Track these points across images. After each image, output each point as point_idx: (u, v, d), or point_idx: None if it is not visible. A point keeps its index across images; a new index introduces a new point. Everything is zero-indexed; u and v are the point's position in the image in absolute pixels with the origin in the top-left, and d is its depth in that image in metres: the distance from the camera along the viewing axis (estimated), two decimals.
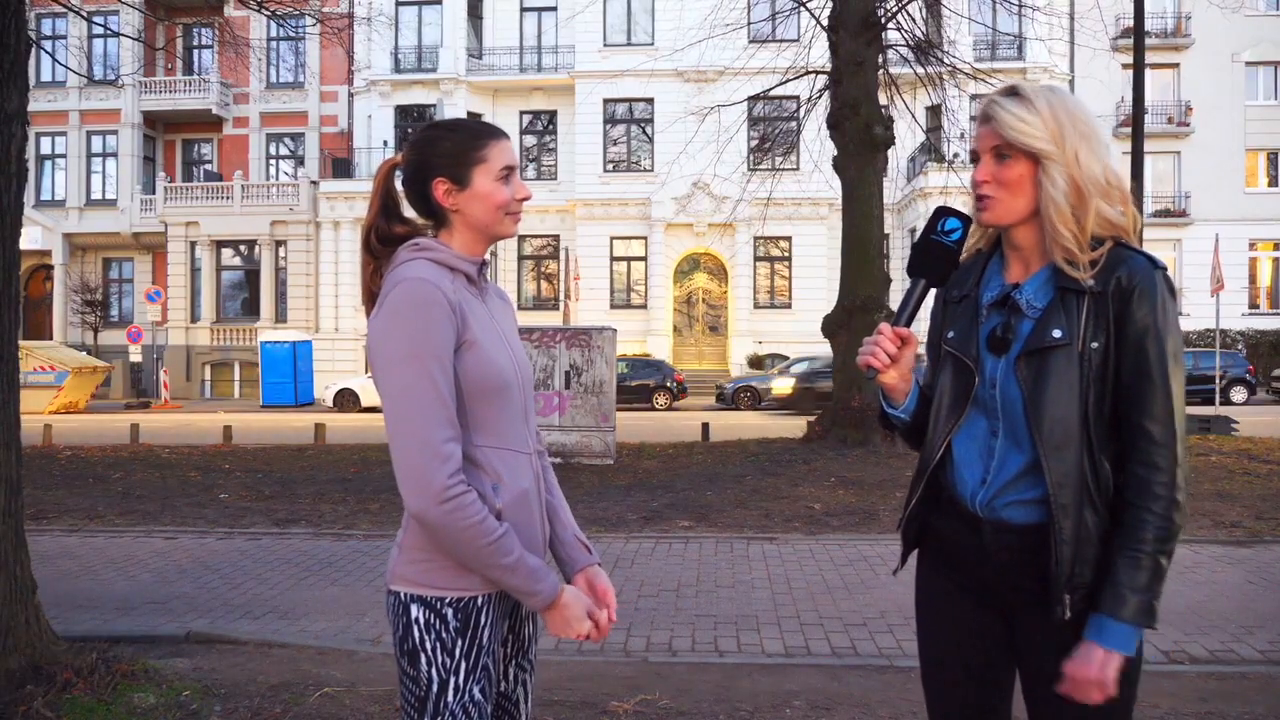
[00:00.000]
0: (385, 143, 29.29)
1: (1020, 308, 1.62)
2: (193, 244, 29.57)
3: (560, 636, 1.65)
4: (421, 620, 1.61)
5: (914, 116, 13.99)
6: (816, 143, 15.20)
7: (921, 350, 1.77)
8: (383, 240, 1.70)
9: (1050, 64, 26.41)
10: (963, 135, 15.85)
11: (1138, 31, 11.03)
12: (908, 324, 1.70)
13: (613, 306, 28.61)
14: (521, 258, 30.47)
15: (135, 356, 27.83)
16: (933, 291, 1.78)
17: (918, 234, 1.74)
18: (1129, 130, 13.23)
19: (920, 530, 1.77)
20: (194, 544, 6.74)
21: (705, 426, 14.53)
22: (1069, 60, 26.54)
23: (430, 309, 1.56)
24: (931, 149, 24.51)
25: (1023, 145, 1.57)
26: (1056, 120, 1.56)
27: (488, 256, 1.75)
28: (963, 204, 1.71)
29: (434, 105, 28.94)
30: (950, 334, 1.71)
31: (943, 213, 1.71)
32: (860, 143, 12.07)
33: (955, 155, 20.75)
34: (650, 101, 28.73)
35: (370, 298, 1.67)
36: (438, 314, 1.56)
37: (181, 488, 9.45)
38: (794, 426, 13.98)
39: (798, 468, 10.17)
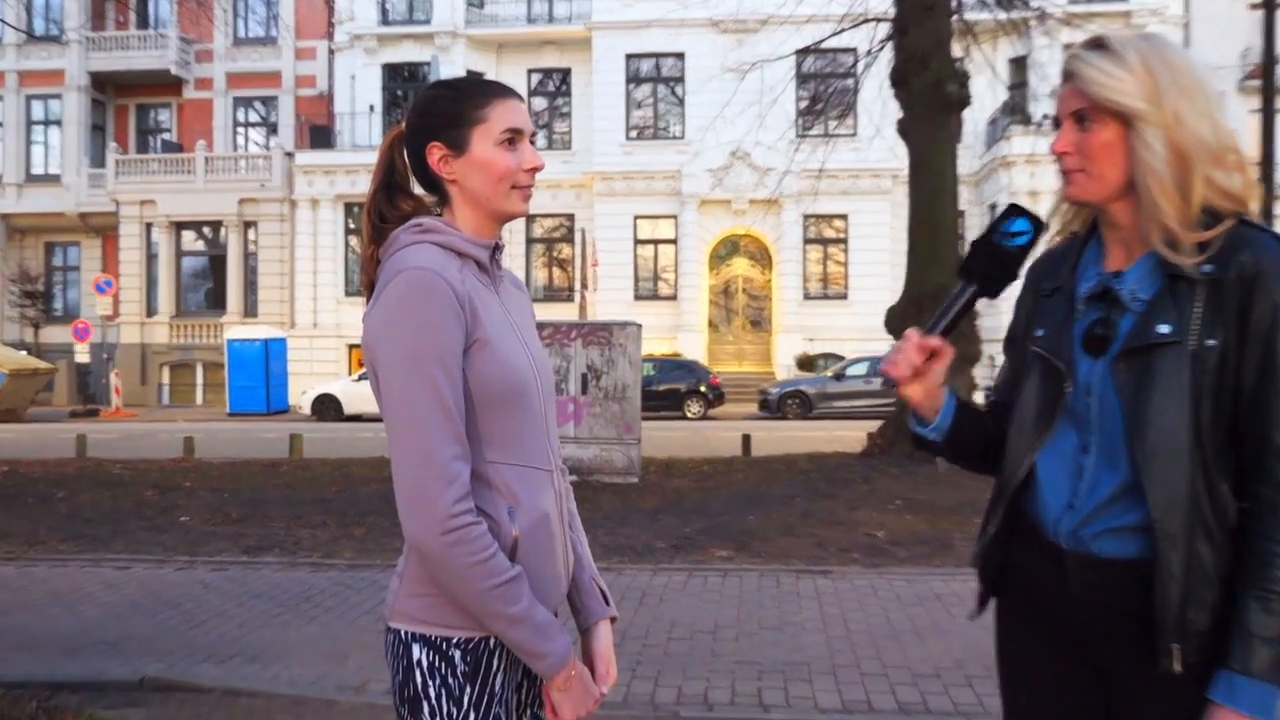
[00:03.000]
0: (371, 107, 29.52)
1: (1121, 300, 1.61)
2: (148, 226, 29.95)
3: (564, 717, 1.65)
4: (425, 663, 1.62)
5: (994, 71, 13.92)
6: (878, 103, 15.11)
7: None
8: (386, 220, 1.72)
9: (1160, 5, 26.12)
10: (1053, 92, 15.65)
11: None
12: (944, 333, 1.72)
13: (637, 298, 28.67)
14: (531, 241, 30.58)
15: (82, 356, 28.18)
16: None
17: (999, 210, 1.75)
18: (1258, 83, 13.03)
19: (1001, 566, 1.76)
20: (150, 575, 6.81)
21: (746, 439, 14.51)
22: (1183, 0, 26.22)
23: (434, 303, 1.56)
24: (1015, 109, 24.32)
25: (1111, 104, 1.56)
26: (1151, 74, 1.55)
27: (501, 240, 1.76)
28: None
29: (428, 63, 29.06)
30: (1040, 332, 1.70)
31: (1014, 212, 1.72)
32: (930, 103, 12.00)
33: (1044, 117, 20.55)
34: (680, 57, 28.73)
35: (371, 288, 1.69)
36: (443, 308, 1.57)
37: (136, 509, 9.55)
38: (852, 439, 13.93)
39: (856, 488, 10.12)
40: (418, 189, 1.76)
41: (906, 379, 1.72)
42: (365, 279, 1.72)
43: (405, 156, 1.75)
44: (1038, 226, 1.70)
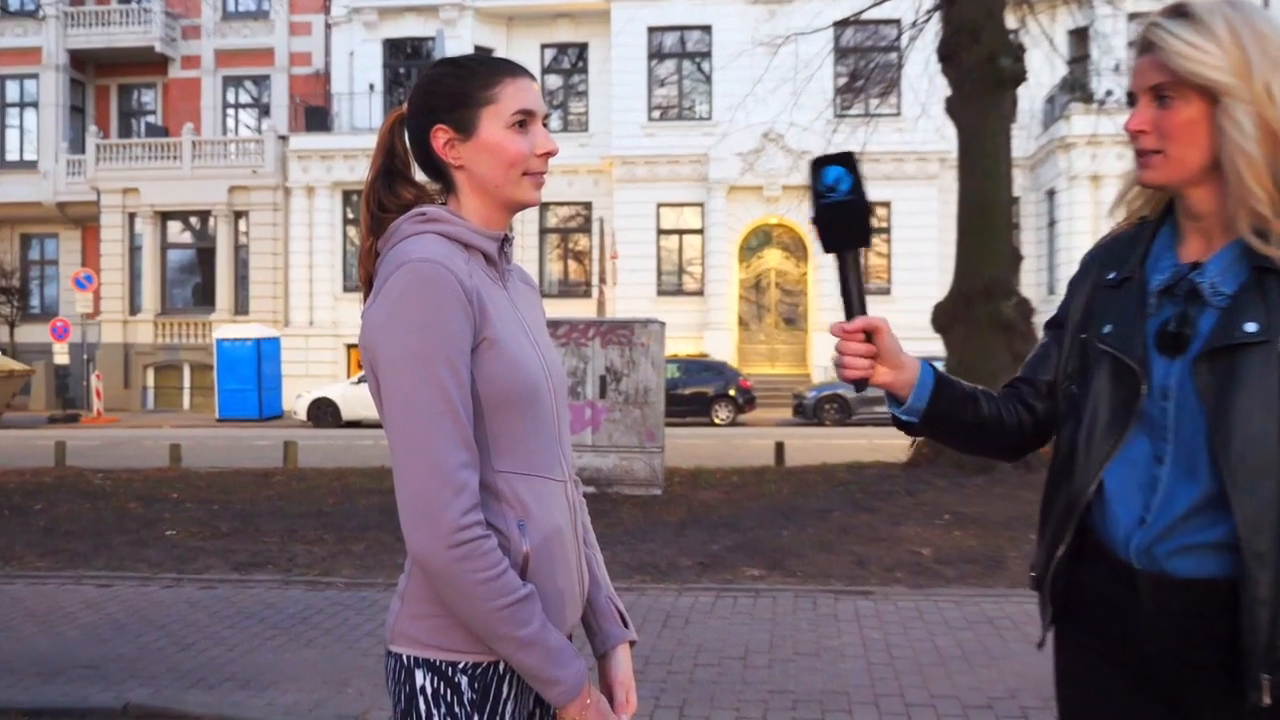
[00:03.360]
0: (371, 86, 29.65)
1: (1202, 294, 1.59)
2: (131, 216, 30.19)
3: None
4: (429, 690, 1.62)
5: (1052, 44, 13.84)
6: (924, 80, 15.05)
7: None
8: (386, 209, 1.73)
9: None
10: (1117, 67, 15.60)
11: None
12: (863, 310, 1.77)
13: (660, 293, 28.69)
14: (544, 231, 30.65)
15: (61, 357, 28.41)
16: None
17: (812, 171, 1.77)
18: None
19: (1065, 588, 1.75)
20: (134, 593, 6.86)
21: (779, 447, 14.52)
22: None
23: (439, 297, 1.56)
24: (1075, 86, 24.15)
25: (1196, 79, 1.55)
26: (1240, 44, 1.54)
27: (510, 231, 1.76)
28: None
29: (432, 38, 29.17)
30: (1107, 328, 1.68)
31: (819, 166, 1.75)
32: (981, 79, 11.96)
33: (1108, 93, 20.42)
34: (707, 30, 28.72)
35: (369, 283, 1.69)
36: (449, 303, 1.57)
37: (119, 522, 9.63)
38: (894, 447, 13.88)
39: (900, 501, 10.11)
40: (420, 175, 1.77)
41: (868, 370, 1.74)
42: (364, 273, 1.73)
43: (407, 140, 1.75)
44: (845, 160, 1.74)
